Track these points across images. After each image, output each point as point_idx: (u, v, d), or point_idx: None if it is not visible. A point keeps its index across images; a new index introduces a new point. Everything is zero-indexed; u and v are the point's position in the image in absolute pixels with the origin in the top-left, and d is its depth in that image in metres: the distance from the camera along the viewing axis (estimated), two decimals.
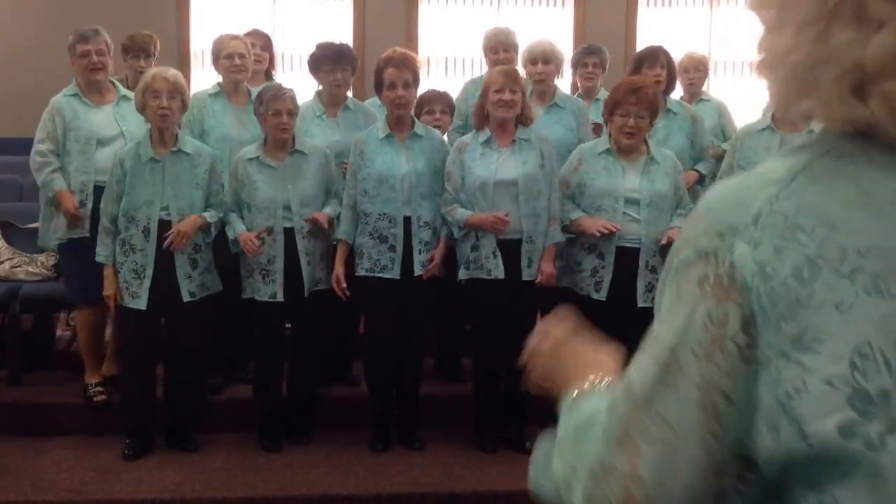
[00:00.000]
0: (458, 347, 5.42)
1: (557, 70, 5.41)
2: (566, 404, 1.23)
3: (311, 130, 5.05)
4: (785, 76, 0.99)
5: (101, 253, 4.63)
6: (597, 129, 5.33)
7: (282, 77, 5.78)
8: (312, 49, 5.26)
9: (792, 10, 0.98)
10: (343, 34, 7.67)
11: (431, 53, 8.64)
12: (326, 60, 5.14)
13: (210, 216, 4.67)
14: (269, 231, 4.65)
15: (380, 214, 4.66)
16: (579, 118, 5.31)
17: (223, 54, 5.15)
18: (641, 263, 4.60)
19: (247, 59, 5.18)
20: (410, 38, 8.48)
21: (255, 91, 5.12)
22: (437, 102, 5.20)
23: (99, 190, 4.80)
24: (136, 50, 5.46)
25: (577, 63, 5.76)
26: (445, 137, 5.40)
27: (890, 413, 0.86)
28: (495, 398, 4.81)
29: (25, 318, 5.53)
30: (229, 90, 5.19)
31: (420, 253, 4.70)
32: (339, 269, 4.67)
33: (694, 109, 5.49)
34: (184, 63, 8.07)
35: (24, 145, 5.08)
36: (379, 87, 4.75)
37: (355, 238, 4.71)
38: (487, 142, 4.68)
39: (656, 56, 5.27)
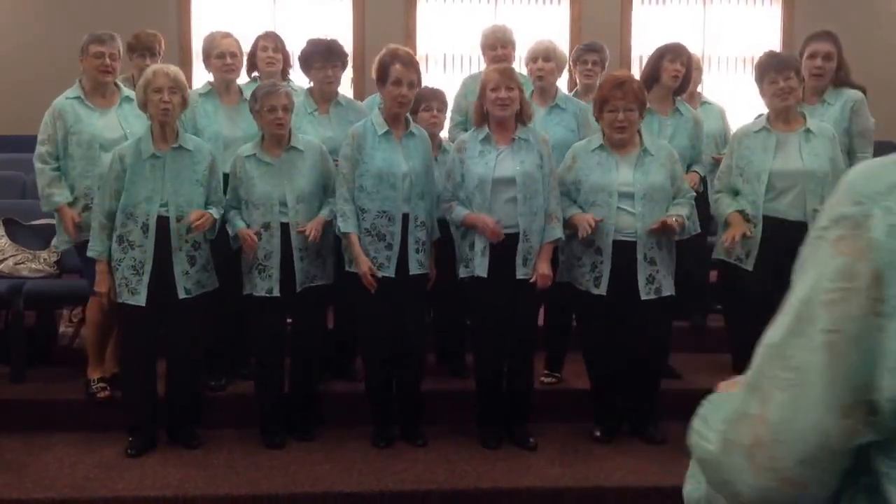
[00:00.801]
0: (460, 344, 5.43)
1: (558, 68, 5.43)
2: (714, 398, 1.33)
3: (304, 127, 5.05)
4: None
5: (95, 248, 4.63)
6: None
7: (291, 72, 5.74)
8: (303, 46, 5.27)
9: None
10: (342, 33, 7.70)
11: (430, 51, 8.66)
12: (317, 57, 5.15)
13: (214, 212, 4.68)
14: (267, 227, 4.66)
15: (379, 212, 4.66)
16: (580, 119, 5.32)
17: (214, 53, 5.16)
18: (640, 256, 4.64)
19: (238, 58, 5.19)
20: (409, 36, 8.51)
21: (248, 90, 5.14)
22: (435, 100, 5.21)
23: None
24: (141, 49, 5.48)
25: (577, 60, 5.76)
26: (446, 134, 5.43)
27: None
28: (497, 395, 4.83)
29: (28, 314, 5.56)
30: (220, 89, 5.20)
31: (417, 252, 4.71)
32: (365, 261, 4.61)
33: (696, 113, 5.49)
34: (185, 62, 8.09)
35: (27, 143, 5.09)
36: (381, 81, 4.74)
37: None
38: (486, 139, 4.70)
39: (680, 51, 5.25)
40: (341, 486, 4.35)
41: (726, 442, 1.13)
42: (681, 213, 4.69)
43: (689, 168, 5.19)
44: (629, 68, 8.57)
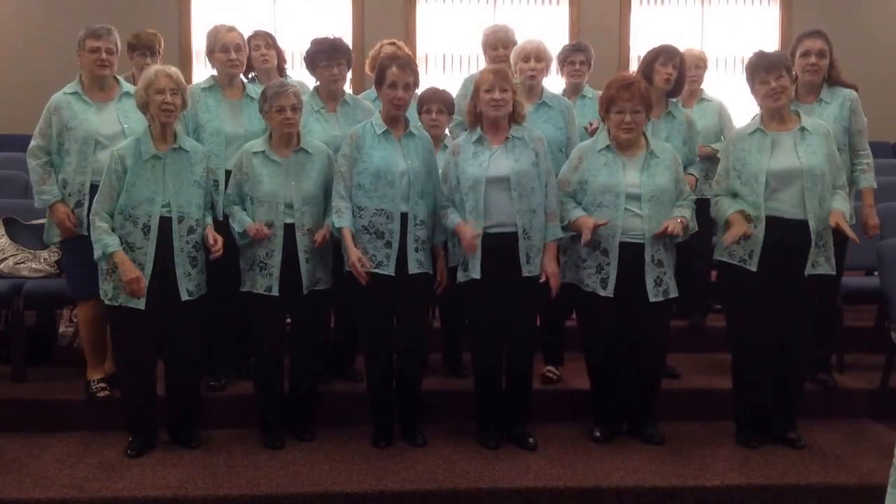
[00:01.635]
0: (459, 343, 5.45)
1: (547, 68, 5.46)
2: None
3: (311, 125, 5.05)
4: None
5: (110, 243, 4.50)
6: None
7: (291, 71, 5.74)
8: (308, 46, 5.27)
9: None
10: (342, 33, 7.68)
11: (429, 51, 8.67)
12: (322, 56, 5.15)
13: (209, 218, 4.70)
14: (269, 225, 4.67)
15: (377, 210, 4.66)
16: (567, 116, 5.35)
17: (218, 46, 5.12)
18: (647, 258, 4.65)
19: (243, 53, 5.15)
20: (408, 36, 8.52)
21: (254, 88, 5.13)
22: (436, 102, 5.21)
23: (95, 190, 4.74)
24: (141, 48, 5.47)
25: (564, 60, 5.76)
26: (448, 133, 5.43)
27: None
28: (495, 394, 4.83)
29: (28, 314, 5.55)
30: (224, 84, 5.18)
31: (416, 251, 4.71)
32: (357, 253, 4.61)
33: (689, 114, 5.51)
34: (185, 62, 8.10)
35: (27, 142, 5.06)
36: (379, 83, 4.76)
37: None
38: (479, 140, 4.71)
39: (673, 54, 5.25)
40: (341, 486, 4.34)
41: None
42: (685, 214, 4.70)
43: (684, 170, 5.20)
44: (627, 69, 8.59)
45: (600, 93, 5.63)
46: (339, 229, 4.66)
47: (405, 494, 4.32)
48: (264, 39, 5.56)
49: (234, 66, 5.13)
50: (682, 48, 6.23)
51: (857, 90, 5.28)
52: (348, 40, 7.97)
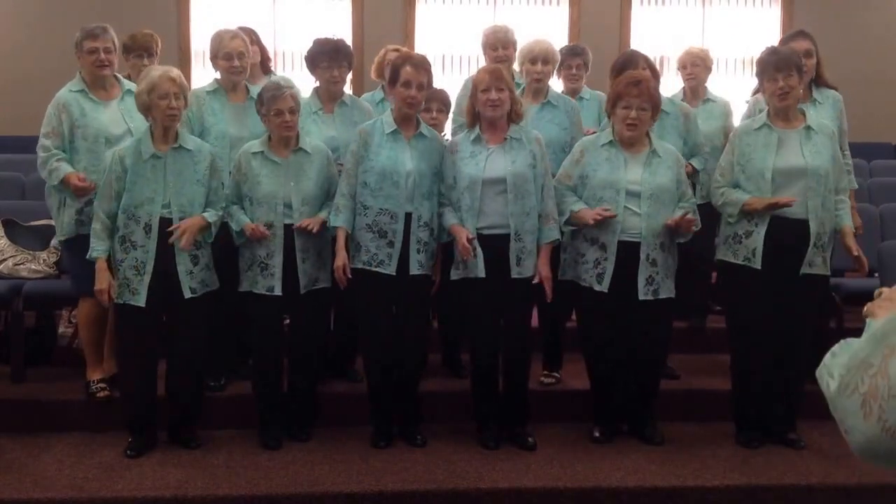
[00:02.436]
0: (458, 343, 5.45)
1: (554, 70, 5.46)
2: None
3: (308, 126, 5.04)
4: None
5: (97, 248, 4.57)
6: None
7: (280, 72, 5.74)
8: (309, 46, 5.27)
9: None
10: (342, 32, 7.69)
11: (428, 52, 8.66)
12: (323, 57, 5.16)
13: (210, 216, 4.66)
14: (269, 226, 4.67)
15: (381, 209, 4.66)
16: (572, 117, 5.33)
17: (221, 54, 5.13)
18: (642, 256, 4.64)
19: (246, 59, 5.15)
20: (408, 37, 8.52)
21: (254, 88, 5.13)
22: (435, 101, 5.21)
23: None
24: (138, 49, 5.44)
25: (561, 64, 5.73)
26: (448, 135, 5.43)
27: None
28: (493, 395, 4.83)
29: (28, 315, 5.54)
30: (227, 88, 5.18)
31: (418, 252, 4.70)
32: (343, 257, 4.62)
33: (684, 105, 5.49)
34: (184, 62, 8.10)
35: (27, 143, 5.07)
36: (392, 82, 4.76)
37: (352, 229, 4.70)
38: (477, 140, 4.70)
39: (635, 60, 5.19)
40: (341, 487, 4.34)
41: (844, 384, 1.20)
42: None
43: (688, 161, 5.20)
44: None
45: (599, 93, 5.67)
46: (335, 228, 4.66)
47: (405, 495, 4.32)
48: (248, 35, 5.54)
49: (236, 73, 5.13)
50: (682, 48, 6.27)
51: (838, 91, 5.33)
52: (348, 41, 8.00)
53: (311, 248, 4.72)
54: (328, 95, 5.24)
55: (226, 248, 4.80)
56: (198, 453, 4.70)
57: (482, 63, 5.75)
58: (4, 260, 5.62)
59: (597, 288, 4.68)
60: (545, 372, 5.39)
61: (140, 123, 4.80)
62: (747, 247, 4.73)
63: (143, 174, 4.56)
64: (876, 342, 1.19)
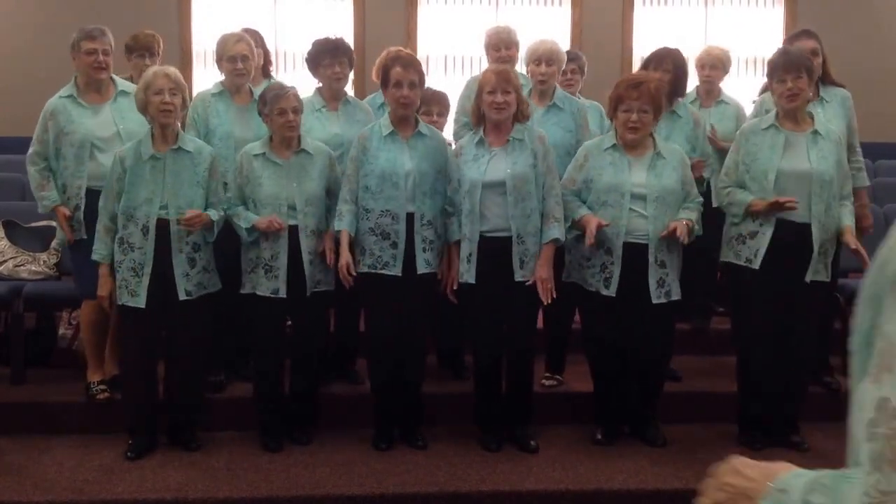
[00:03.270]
0: (460, 345, 5.41)
1: (559, 71, 5.42)
2: (775, 494, 1.20)
3: (310, 123, 5.04)
4: None
5: (99, 251, 4.62)
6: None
7: (283, 75, 5.76)
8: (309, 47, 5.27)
9: None
10: (343, 33, 7.67)
11: (431, 52, 8.65)
12: (324, 55, 5.16)
13: (213, 214, 4.66)
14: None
15: (382, 211, 4.65)
16: (578, 119, 5.30)
17: (226, 56, 5.14)
18: (651, 259, 4.62)
19: (250, 63, 5.16)
20: (410, 38, 8.50)
21: (255, 90, 5.13)
22: (435, 104, 5.20)
23: (91, 194, 4.84)
24: (140, 49, 5.46)
25: None
26: (452, 138, 5.42)
27: None
28: (496, 397, 4.81)
29: (28, 316, 5.53)
30: (232, 90, 5.19)
31: (424, 251, 4.69)
32: (348, 256, 4.61)
33: (699, 114, 5.47)
34: (186, 63, 8.08)
35: (27, 144, 5.07)
36: (384, 85, 4.75)
37: (356, 234, 4.69)
38: (480, 142, 4.69)
39: (661, 59, 5.24)
40: (342, 489, 4.33)
41: None
42: (690, 217, 4.67)
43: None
44: (630, 70, 8.55)
45: (598, 104, 5.68)
46: (338, 231, 4.66)
47: (406, 497, 4.31)
48: (253, 37, 5.55)
49: (240, 76, 5.14)
50: (692, 49, 6.23)
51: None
52: (350, 42, 7.99)
53: (318, 250, 4.72)
54: (331, 93, 5.25)
55: (223, 250, 4.80)
56: (198, 455, 4.69)
57: (485, 64, 5.73)
58: (5, 261, 5.62)
59: (604, 292, 4.66)
60: (547, 374, 5.36)
61: (132, 125, 4.83)
62: (750, 248, 4.71)
63: (141, 175, 4.56)
64: (885, 466, 0.98)
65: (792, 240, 4.64)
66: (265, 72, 5.68)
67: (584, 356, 5.01)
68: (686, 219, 4.64)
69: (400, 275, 4.66)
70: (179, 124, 4.72)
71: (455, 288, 4.71)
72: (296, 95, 4.69)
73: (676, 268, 4.74)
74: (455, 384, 5.34)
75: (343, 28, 8.32)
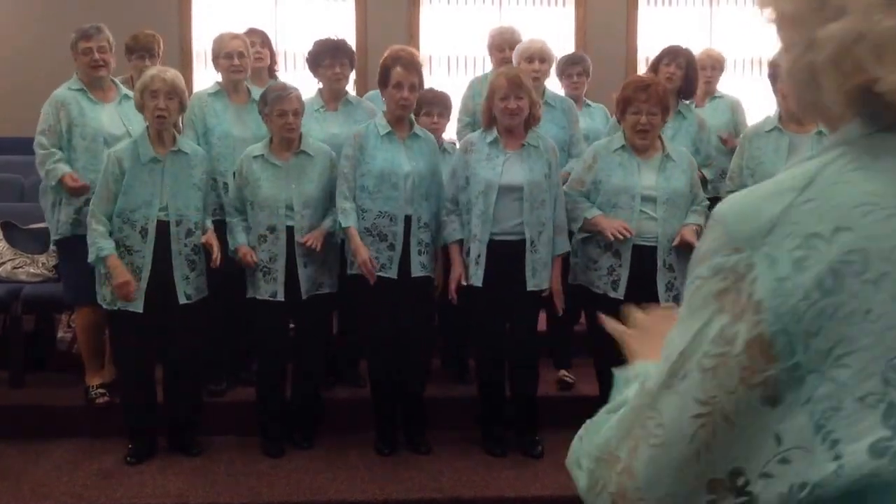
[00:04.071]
0: (464, 349, 5.39)
1: (550, 68, 5.46)
2: (621, 379, 1.23)
3: (310, 124, 5.01)
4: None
5: (105, 247, 4.47)
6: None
7: (284, 75, 5.73)
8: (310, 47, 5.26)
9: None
10: (345, 34, 7.64)
11: (433, 52, 8.61)
12: (325, 55, 5.14)
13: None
14: (271, 230, 4.63)
15: (380, 212, 4.62)
16: (569, 116, 5.33)
17: (222, 53, 5.12)
18: (659, 262, 4.57)
19: (246, 59, 5.15)
20: (412, 37, 8.45)
21: (255, 90, 5.11)
22: (437, 105, 5.18)
23: None
24: (140, 50, 5.44)
25: (562, 73, 5.79)
26: (451, 137, 5.38)
27: None
28: (500, 401, 4.77)
29: (26, 319, 5.50)
30: (229, 89, 5.16)
31: (420, 254, 4.66)
32: (365, 251, 4.56)
33: (703, 116, 5.49)
34: (186, 63, 8.05)
35: (25, 145, 5.04)
36: (383, 84, 4.72)
37: None
38: (495, 143, 4.65)
39: (676, 54, 5.28)
40: (344, 495, 4.30)
41: (594, 480, 1.04)
42: (699, 221, 4.62)
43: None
44: (635, 70, 8.52)
45: (602, 106, 5.66)
46: (346, 229, 4.62)
47: (409, 503, 4.28)
48: (260, 37, 5.58)
49: (237, 72, 5.12)
50: (695, 49, 6.25)
51: None
52: (352, 42, 7.95)
53: (313, 252, 4.67)
54: (331, 94, 5.24)
55: (228, 253, 4.75)
56: (199, 460, 4.67)
57: (488, 64, 5.73)
58: (3, 263, 5.59)
59: (612, 295, 4.60)
60: (563, 371, 5.33)
61: (138, 127, 4.79)
62: None
63: (140, 177, 4.52)
64: (622, 431, 1.00)
65: None
66: (271, 72, 5.64)
67: (589, 358, 4.96)
68: (695, 224, 4.59)
69: (396, 277, 4.63)
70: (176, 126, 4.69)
71: (457, 289, 4.67)
72: (297, 97, 4.66)
73: (685, 271, 4.67)
74: (459, 388, 5.31)
75: (345, 28, 8.28)
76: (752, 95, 6.27)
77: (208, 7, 8.37)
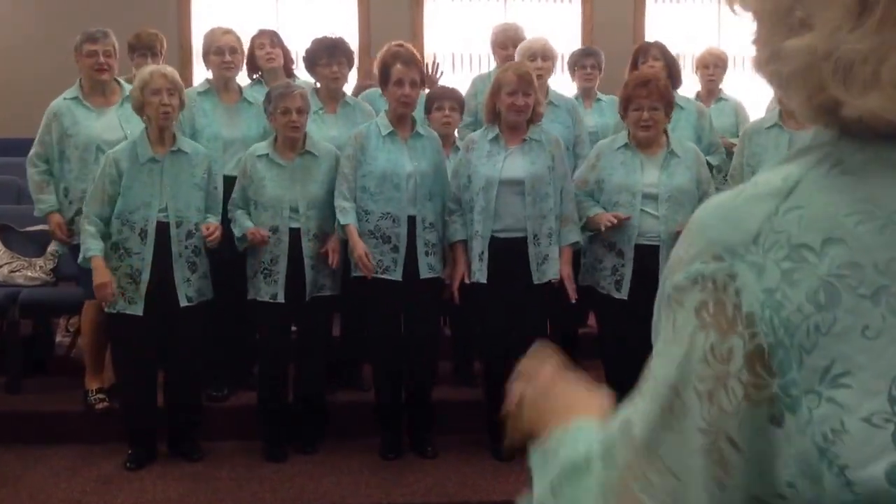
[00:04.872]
0: (471, 351, 5.33)
1: (554, 66, 5.47)
2: (542, 453, 1.11)
3: (307, 126, 4.92)
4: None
5: (93, 247, 4.43)
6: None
7: (297, 72, 5.66)
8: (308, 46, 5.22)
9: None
10: (347, 33, 7.59)
11: (437, 50, 8.56)
12: (322, 54, 5.09)
13: (214, 220, 4.61)
14: (274, 230, 4.58)
15: (383, 213, 4.58)
16: (573, 115, 5.33)
17: (213, 49, 5.09)
18: (662, 261, 4.50)
19: (238, 56, 5.13)
20: (416, 35, 8.43)
21: (248, 89, 5.10)
22: (447, 99, 5.14)
23: None
24: (142, 49, 5.45)
25: (575, 65, 5.83)
26: (456, 134, 5.34)
27: None
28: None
29: (24, 323, 5.49)
30: (219, 87, 5.13)
31: (427, 255, 4.62)
32: (362, 246, 4.52)
33: (699, 104, 5.54)
34: (185, 63, 8.03)
35: (23, 146, 5.03)
36: (384, 83, 4.67)
37: None
38: (496, 139, 4.62)
39: (647, 50, 5.38)
40: (348, 500, 4.28)
41: None
42: None
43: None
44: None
45: (615, 97, 5.62)
46: (344, 226, 4.56)
47: None
48: (269, 38, 5.51)
49: (228, 69, 5.09)
50: (700, 47, 6.27)
51: None
52: (354, 40, 7.93)
53: (321, 254, 4.63)
54: (329, 94, 5.18)
55: (229, 254, 4.70)
56: (200, 466, 4.64)
57: (492, 62, 5.71)
58: (0, 267, 5.52)
59: (616, 296, 4.56)
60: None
61: (138, 129, 4.73)
62: None
63: (139, 178, 4.48)
64: (603, 493, 0.90)
65: None
66: (287, 72, 5.58)
67: (596, 360, 4.89)
68: None
69: (401, 280, 4.58)
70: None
71: (460, 286, 4.63)
72: (302, 95, 4.60)
73: None
74: (465, 391, 5.26)
75: (347, 26, 8.26)
76: (760, 92, 6.22)
77: (208, 6, 8.35)
